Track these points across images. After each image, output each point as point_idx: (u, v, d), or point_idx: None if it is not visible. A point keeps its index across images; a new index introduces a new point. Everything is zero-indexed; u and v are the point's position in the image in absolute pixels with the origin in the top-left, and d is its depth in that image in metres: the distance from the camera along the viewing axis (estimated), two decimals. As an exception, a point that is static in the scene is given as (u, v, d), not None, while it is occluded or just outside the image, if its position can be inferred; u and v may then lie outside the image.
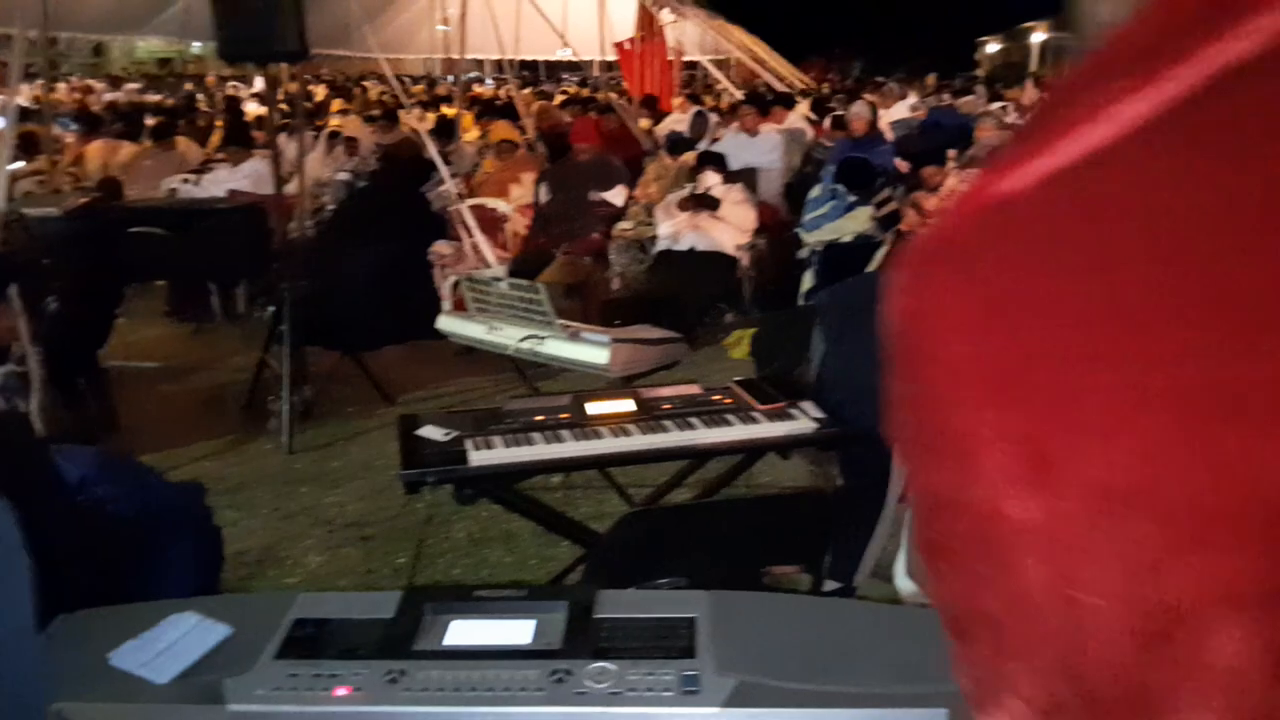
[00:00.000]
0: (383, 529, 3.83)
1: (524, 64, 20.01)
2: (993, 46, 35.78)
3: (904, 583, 3.03)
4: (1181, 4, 0.56)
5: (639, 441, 2.48)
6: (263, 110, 8.41)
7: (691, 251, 6.00)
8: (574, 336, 3.38)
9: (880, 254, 5.66)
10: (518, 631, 1.40)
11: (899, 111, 8.95)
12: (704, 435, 2.53)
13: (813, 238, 5.95)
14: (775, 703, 1.21)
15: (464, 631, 1.42)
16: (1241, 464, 0.49)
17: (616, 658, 1.32)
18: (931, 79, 17.31)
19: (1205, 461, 0.50)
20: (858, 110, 6.70)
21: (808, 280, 5.86)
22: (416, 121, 8.05)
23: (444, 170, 6.14)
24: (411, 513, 3.85)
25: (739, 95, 11.78)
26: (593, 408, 2.62)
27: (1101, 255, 0.54)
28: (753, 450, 2.63)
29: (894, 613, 1.43)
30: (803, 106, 10.09)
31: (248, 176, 7.03)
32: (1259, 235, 0.51)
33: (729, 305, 6.26)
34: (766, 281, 6.26)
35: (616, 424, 2.54)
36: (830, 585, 2.33)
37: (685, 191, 6.23)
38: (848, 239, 5.73)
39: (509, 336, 3.51)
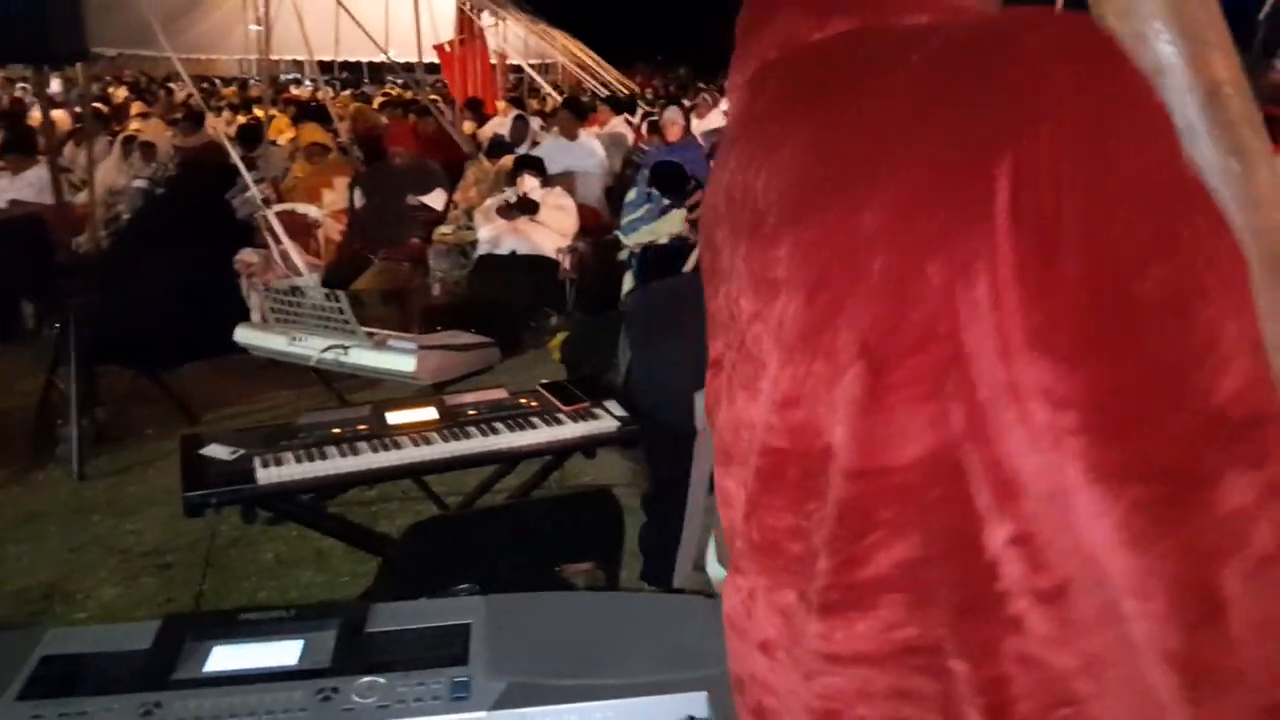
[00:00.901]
0: (184, 556, 3.62)
1: (348, 65, 19.42)
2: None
3: (715, 570, 3.12)
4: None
5: (441, 449, 2.44)
6: (57, 114, 7.80)
7: (512, 255, 5.98)
8: (379, 345, 3.30)
9: (694, 255, 5.80)
10: (284, 653, 1.35)
11: (714, 120, 9.17)
12: (508, 439, 2.52)
13: (631, 240, 6.03)
14: (544, 701, 1.21)
15: (226, 657, 1.36)
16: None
17: (387, 670, 1.30)
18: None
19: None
20: (671, 116, 6.84)
21: (628, 281, 5.94)
22: (221, 124, 7.67)
23: (246, 175, 5.88)
24: (215, 536, 3.66)
25: (560, 99, 11.81)
26: (394, 417, 2.57)
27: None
28: (559, 451, 2.64)
29: (666, 602, 1.47)
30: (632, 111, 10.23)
31: (31, 185, 6.52)
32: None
33: (552, 308, 6.27)
34: (589, 283, 6.30)
35: (418, 433, 2.49)
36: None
37: (505, 196, 6.20)
38: (664, 241, 5.83)
39: (311, 347, 3.39)
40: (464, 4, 11.93)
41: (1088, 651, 0.56)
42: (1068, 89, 0.55)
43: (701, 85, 16.38)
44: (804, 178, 0.66)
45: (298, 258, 5.50)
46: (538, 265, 5.98)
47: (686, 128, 6.99)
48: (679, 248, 5.77)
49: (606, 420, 2.59)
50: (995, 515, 0.57)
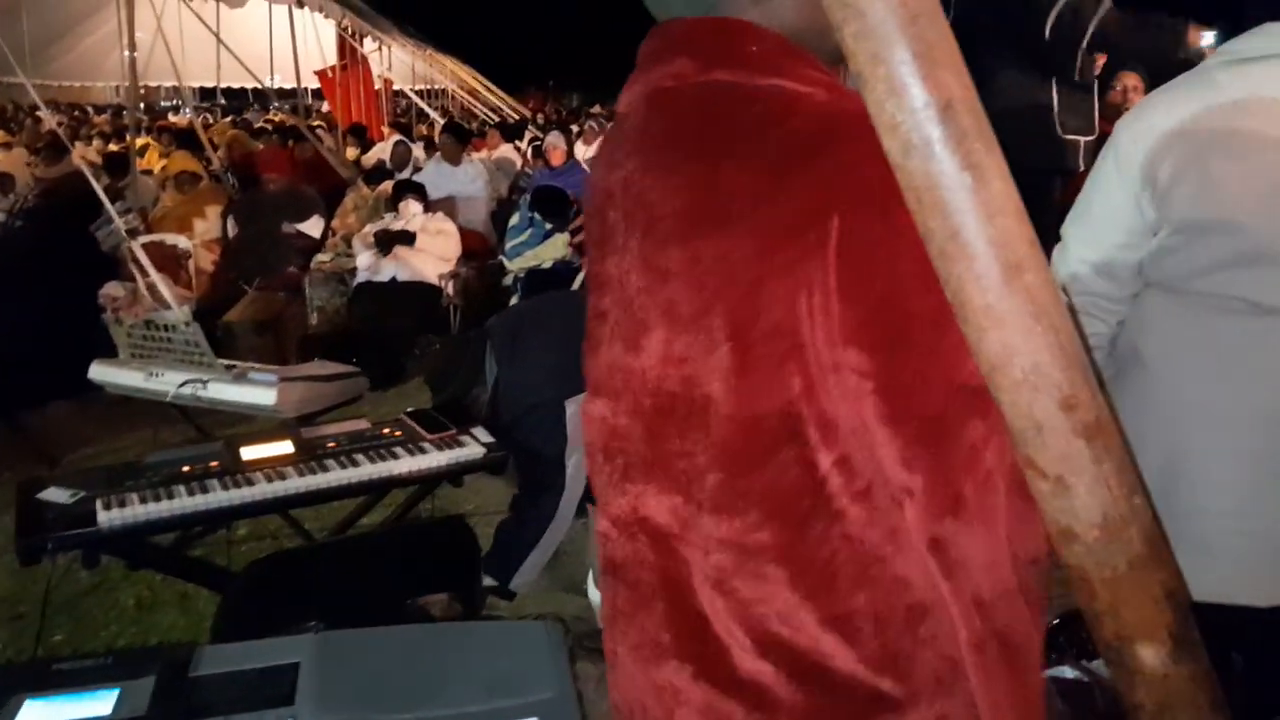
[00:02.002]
0: (38, 605, 3.42)
1: (232, 91, 18.90)
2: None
3: (596, 595, 3.10)
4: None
5: (297, 484, 2.37)
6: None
7: (393, 282, 5.88)
8: (239, 378, 3.20)
9: (580, 279, 5.81)
10: (98, 704, 1.29)
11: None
12: (369, 471, 2.46)
13: (515, 264, 6.00)
14: (371, 738, 1.18)
15: (38, 712, 1.29)
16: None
17: (208, 716, 1.25)
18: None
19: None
20: (553, 140, 6.85)
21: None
22: (92, 153, 7.36)
23: (109, 206, 5.65)
24: (73, 582, 3.47)
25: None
26: (248, 452, 2.49)
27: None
28: (422, 481, 2.59)
29: (503, 631, 1.45)
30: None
31: (-127, 219, 6.14)
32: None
33: (436, 335, 6.18)
34: (473, 309, 6.24)
35: (272, 468, 2.42)
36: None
37: (385, 222, 6.10)
38: (548, 265, 5.82)
39: (169, 383, 3.26)
40: (345, 30, 11.74)
41: (886, 527, 0.89)
42: (875, 180, 0.78)
43: (594, 111, 16.48)
44: (696, 203, 0.91)
45: (166, 290, 5.30)
46: (419, 292, 5.89)
47: (570, 152, 7.00)
48: (562, 272, 5.77)
49: (473, 447, 2.56)
50: (823, 446, 0.88)
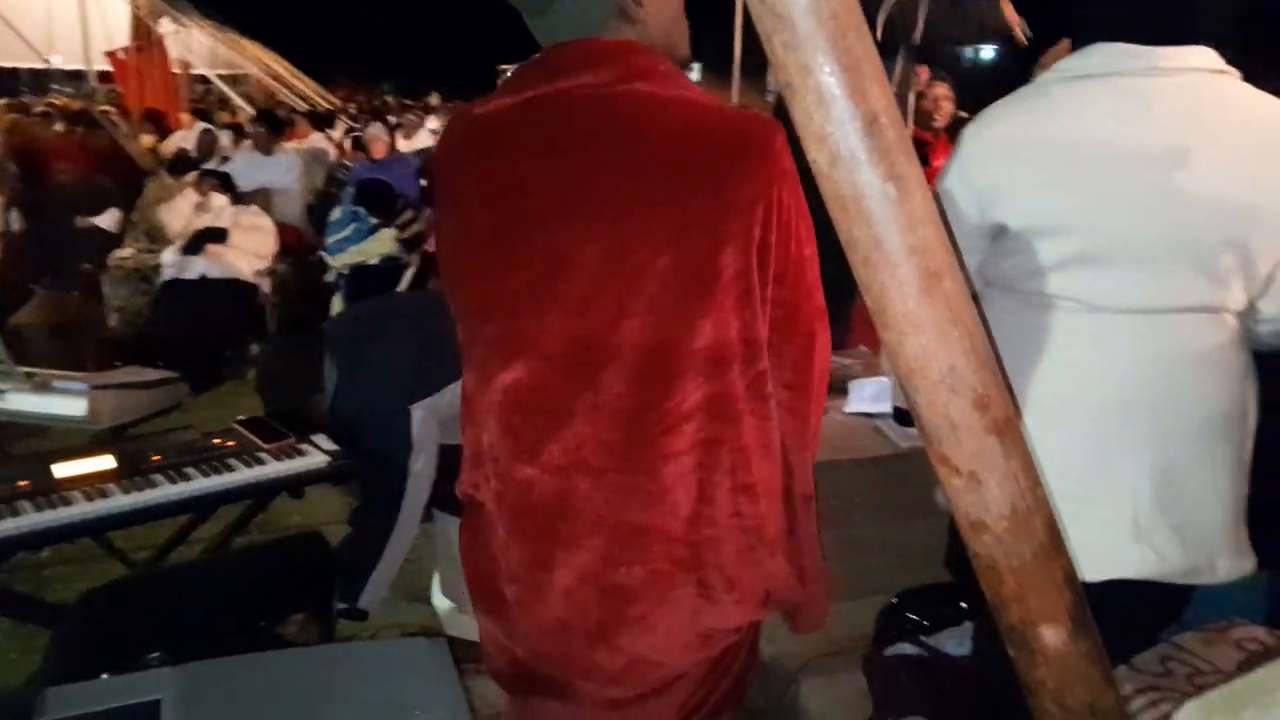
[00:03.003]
0: None
1: (1, 72, 17.18)
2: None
3: (441, 602, 3.02)
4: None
5: (122, 502, 2.18)
6: None
7: (203, 280, 5.52)
8: (42, 387, 2.91)
9: (408, 275, 5.64)
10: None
11: (423, 139, 8.99)
12: (202, 485, 2.30)
13: (338, 261, 5.76)
14: (246, 774, 1.11)
15: None
16: None
17: (59, 766, 1.13)
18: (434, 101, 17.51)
19: None
20: (375, 132, 6.62)
21: (337, 304, 5.67)
22: None
23: None
24: None
25: (253, 112, 11.11)
26: (62, 469, 2.27)
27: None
28: (260, 494, 2.44)
29: (375, 651, 1.39)
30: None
31: None
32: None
33: (252, 336, 5.85)
34: (292, 308, 5.95)
35: (92, 485, 2.21)
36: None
37: (205, 219, 5.72)
38: (374, 261, 5.62)
39: (-45, 394, 2.93)
40: (139, 8, 10.92)
41: (772, 416, 1.23)
42: (791, 166, 1.06)
43: (408, 102, 16.04)
44: (660, 183, 1.12)
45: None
46: (233, 290, 5.56)
47: (392, 144, 6.79)
48: (390, 269, 5.59)
49: (314, 456, 2.44)
50: (758, 360, 1.17)
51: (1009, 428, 0.78)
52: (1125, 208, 1.43)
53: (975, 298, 1.65)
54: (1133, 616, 1.63)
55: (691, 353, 1.16)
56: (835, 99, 0.71)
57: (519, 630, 1.31)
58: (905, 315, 0.75)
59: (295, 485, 2.41)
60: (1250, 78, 1.49)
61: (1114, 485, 1.49)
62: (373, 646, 1.47)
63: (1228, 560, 1.54)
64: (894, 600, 2.44)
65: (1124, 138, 1.42)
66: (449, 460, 2.27)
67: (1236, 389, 1.51)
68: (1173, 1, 1.42)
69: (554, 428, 1.22)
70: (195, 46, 13.92)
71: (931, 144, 4.13)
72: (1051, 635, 0.81)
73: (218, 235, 5.52)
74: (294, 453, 2.44)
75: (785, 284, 1.17)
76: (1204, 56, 1.44)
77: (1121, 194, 1.42)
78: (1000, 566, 0.80)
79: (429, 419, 2.20)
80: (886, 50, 3.37)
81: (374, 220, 5.70)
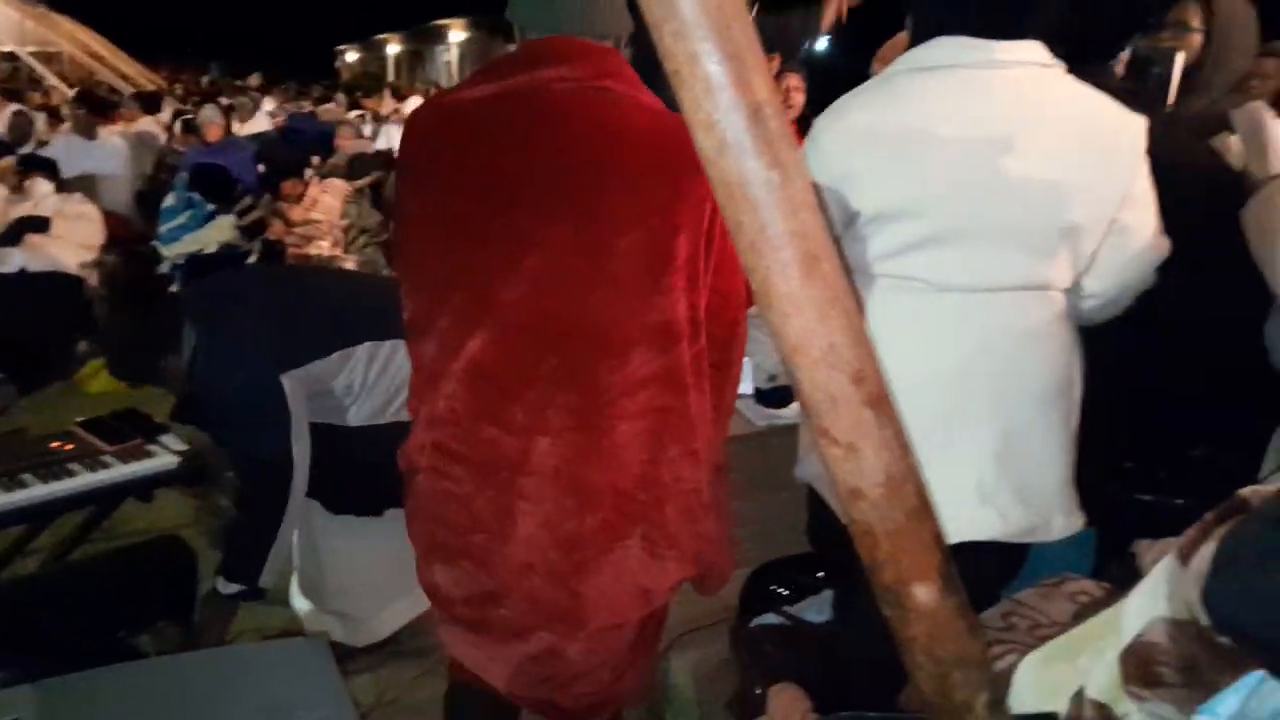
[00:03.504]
0: None
1: None
2: (352, 55, 36.29)
3: (300, 603, 2.92)
4: None
5: (-53, 513, 2.03)
6: None
7: (23, 274, 5.13)
8: None
9: (249, 264, 5.40)
10: None
11: (258, 124, 8.59)
12: (40, 492, 2.16)
13: (172, 250, 5.46)
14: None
15: None
16: None
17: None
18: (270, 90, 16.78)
19: None
20: (209, 115, 6.30)
21: (172, 297, 5.38)
22: None
23: None
24: None
25: (70, 93, 10.34)
26: (-126, 482, 2.08)
27: None
28: (104, 499, 2.31)
29: (263, 651, 1.36)
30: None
31: None
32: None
33: (80, 333, 5.47)
34: (122, 301, 5.58)
35: (-88, 496, 2.04)
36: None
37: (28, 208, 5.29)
38: (212, 249, 5.37)
39: None
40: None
41: (706, 390, 1.43)
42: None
43: (238, 84, 15.29)
44: (623, 169, 1.28)
45: None
46: (57, 284, 5.19)
47: (227, 128, 6.47)
48: (230, 257, 5.34)
49: (164, 456, 2.32)
50: (699, 339, 1.33)
51: (883, 401, 0.83)
52: (967, 193, 1.53)
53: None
54: (980, 575, 1.73)
55: (646, 326, 1.30)
56: (722, 88, 0.74)
57: (486, 573, 1.44)
58: (788, 297, 0.79)
59: (143, 488, 2.29)
60: (1072, 70, 1.62)
61: (961, 453, 1.60)
62: (248, 650, 1.43)
63: (1062, 518, 1.68)
64: (757, 572, 2.53)
65: (965, 127, 1.52)
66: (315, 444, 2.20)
67: (1065, 361, 1.65)
68: (1006, 1, 1.53)
69: (517, 391, 1.33)
70: (4, 21, 12.85)
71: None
72: (924, 593, 0.87)
73: (38, 225, 5.15)
74: (141, 454, 2.32)
75: (721, 273, 1.33)
76: (1035, 51, 1.56)
77: (963, 180, 1.53)
78: (876, 531, 0.85)
79: (298, 391, 2.12)
80: None
81: (211, 207, 5.44)
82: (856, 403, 0.81)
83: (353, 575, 2.55)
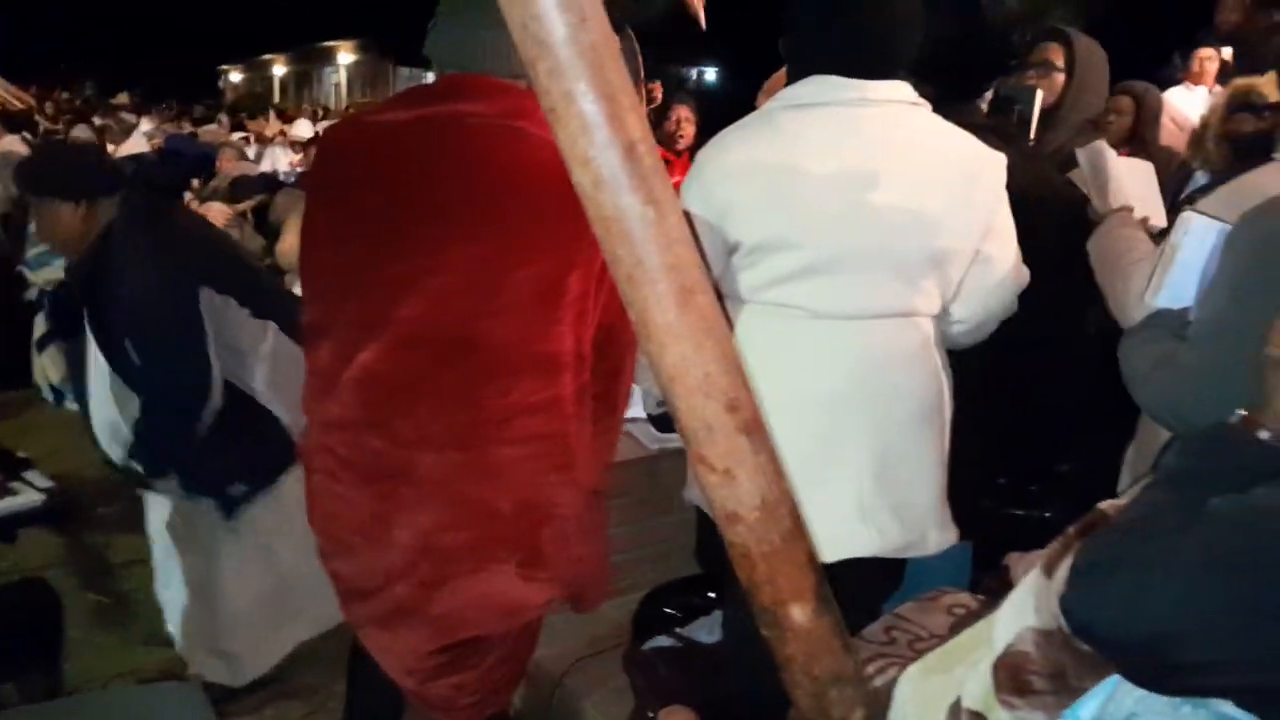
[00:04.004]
0: None
1: None
2: (236, 75, 35.31)
3: (182, 642, 2.80)
4: None
5: None
6: None
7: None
8: None
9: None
10: None
11: (135, 145, 8.26)
12: (-113, 534, 2.03)
13: (40, 276, 5.19)
14: None
15: None
16: None
17: None
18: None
19: None
20: (79, 135, 6.04)
21: (40, 326, 5.11)
22: None
23: None
24: None
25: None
26: None
27: None
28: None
29: (137, 696, 1.31)
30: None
31: None
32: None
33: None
34: (-15, 327, 5.30)
35: None
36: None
37: None
38: (85, 276, 5.13)
39: None
40: None
41: (588, 426, 1.48)
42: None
43: (113, 103, 14.70)
44: (527, 203, 1.34)
45: None
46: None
47: (101, 149, 6.21)
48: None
49: (27, 494, 2.21)
50: (585, 369, 1.40)
51: (757, 427, 0.86)
52: (840, 225, 1.59)
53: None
54: (861, 591, 1.81)
55: (534, 355, 1.35)
56: (597, 126, 0.76)
57: (364, 574, 1.50)
58: (665, 328, 0.81)
59: (5, 528, 2.17)
60: (939, 108, 1.71)
61: (841, 473, 1.66)
62: (118, 695, 1.37)
63: (937, 534, 1.75)
64: (650, 595, 2.55)
65: (838, 162, 1.59)
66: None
67: (936, 383, 1.72)
68: (876, 42, 1.61)
69: (406, 405, 1.37)
70: None
71: (673, 163, 4.33)
72: (799, 613, 0.90)
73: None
74: (3, 491, 2.20)
75: (610, 310, 1.38)
76: (903, 90, 1.64)
77: (837, 213, 1.59)
78: (753, 553, 0.88)
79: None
80: None
81: (83, 232, 5.19)
82: (731, 429, 0.84)
83: (245, 593, 2.44)
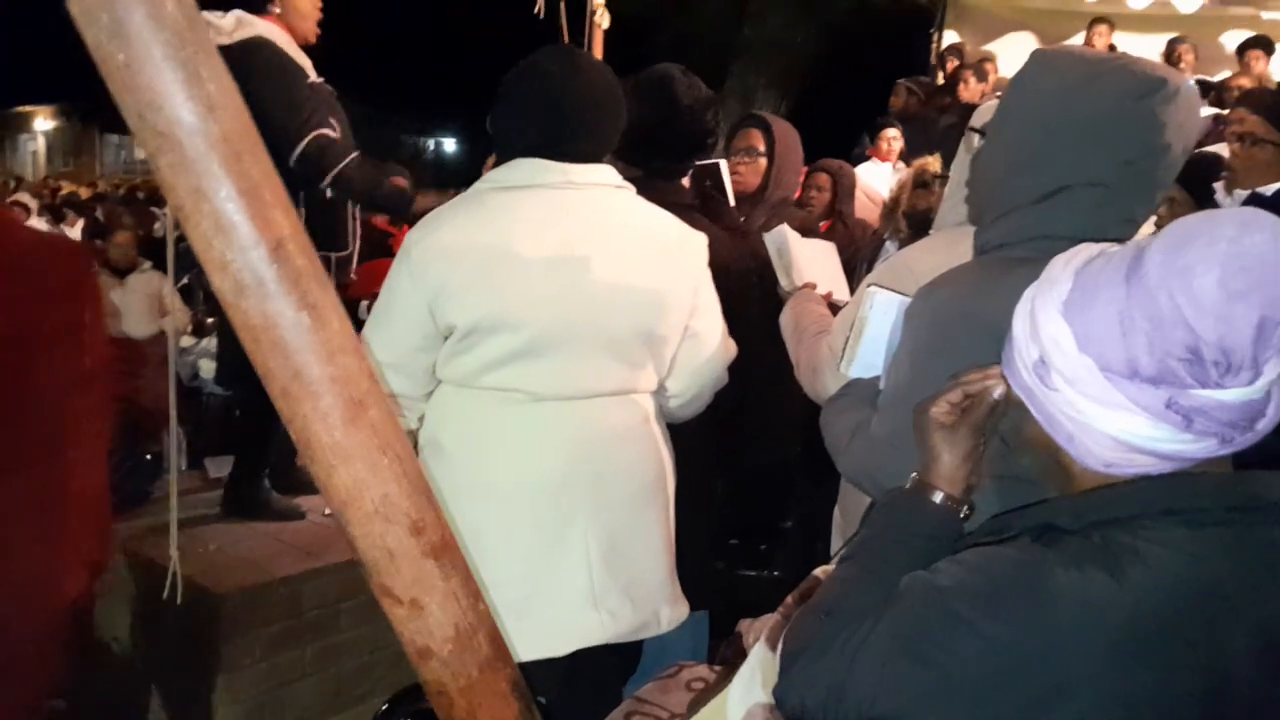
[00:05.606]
0: None
1: None
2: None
3: None
4: None
5: None
6: None
7: None
8: None
9: None
10: None
11: None
12: None
13: None
14: None
15: None
16: None
17: None
18: None
19: None
20: None
21: None
22: None
23: None
24: None
25: None
26: None
27: None
28: None
29: None
30: None
31: None
32: None
33: None
34: None
35: None
36: None
37: None
38: None
39: None
40: None
41: None
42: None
43: None
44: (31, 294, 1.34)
45: None
46: None
47: None
48: None
49: None
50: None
51: (447, 548, 0.78)
52: (555, 304, 1.56)
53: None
54: (600, 678, 1.75)
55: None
56: (236, 225, 0.67)
57: None
58: (332, 447, 0.72)
59: None
60: (646, 188, 1.74)
61: (569, 559, 1.61)
62: None
63: (668, 609, 1.73)
64: (385, 705, 2.37)
65: (549, 242, 1.56)
66: None
67: (657, 458, 1.72)
68: (580, 129, 1.60)
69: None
70: None
71: (396, 236, 4.19)
72: (507, 746, 0.82)
73: None
74: None
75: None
76: (607, 174, 1.65)
77: (548, 295, 1.56)
78: (450, 689, 0.79)
79: None
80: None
81: None
82: (417, 555, 0.75)
83: None
